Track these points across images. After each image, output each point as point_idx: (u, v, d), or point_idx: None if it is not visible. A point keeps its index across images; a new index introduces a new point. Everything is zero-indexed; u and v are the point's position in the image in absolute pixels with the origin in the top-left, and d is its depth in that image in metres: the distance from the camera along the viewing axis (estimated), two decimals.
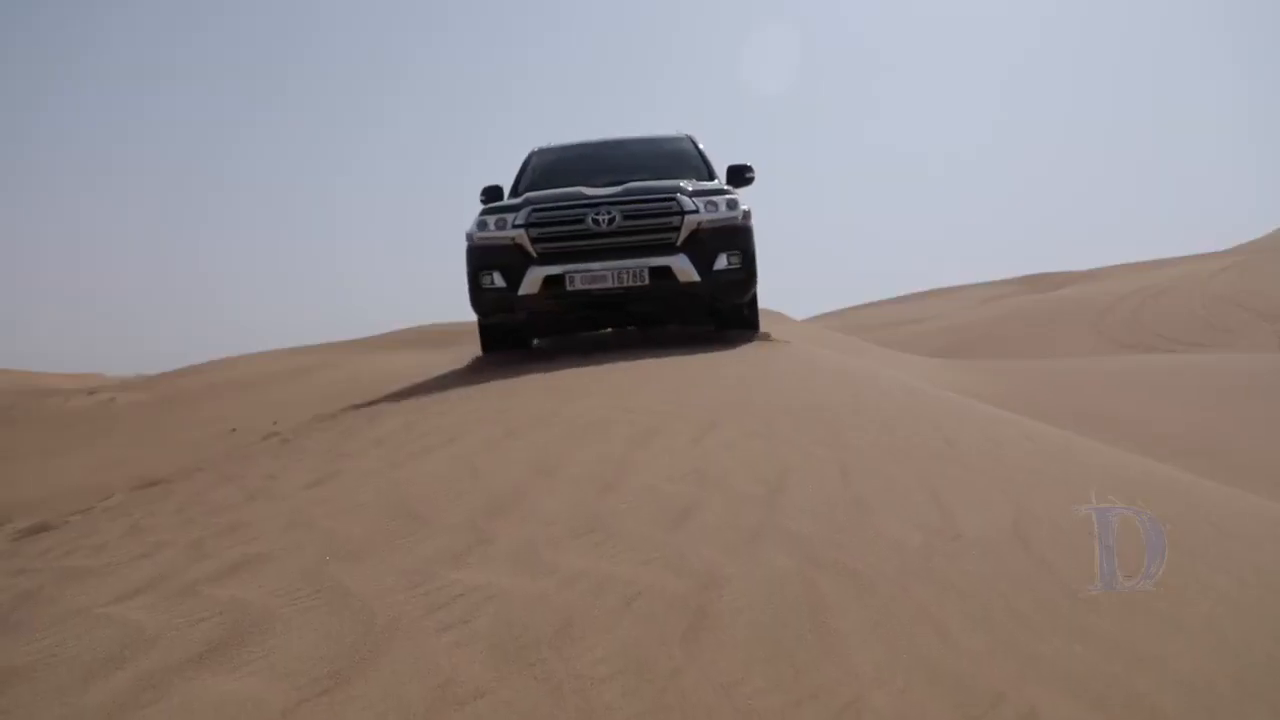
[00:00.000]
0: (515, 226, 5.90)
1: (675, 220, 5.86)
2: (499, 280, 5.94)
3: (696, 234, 5.86)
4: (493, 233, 5.99)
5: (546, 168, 7.39)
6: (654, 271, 5.78)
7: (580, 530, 2.02)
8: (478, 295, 6.12)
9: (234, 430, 13.17)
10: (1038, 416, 8.85)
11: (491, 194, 7.02)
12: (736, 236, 5.98)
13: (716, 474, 2.45)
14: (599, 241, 5.82)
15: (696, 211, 5.89)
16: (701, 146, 7.57)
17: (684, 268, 5.79)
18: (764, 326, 6.82)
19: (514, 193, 7.11)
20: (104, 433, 11.83)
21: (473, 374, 6.10)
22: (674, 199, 5.91)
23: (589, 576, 1.74)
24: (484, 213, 6.18)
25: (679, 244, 5.85)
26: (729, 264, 5.91)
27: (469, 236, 6.16)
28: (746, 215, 6.11)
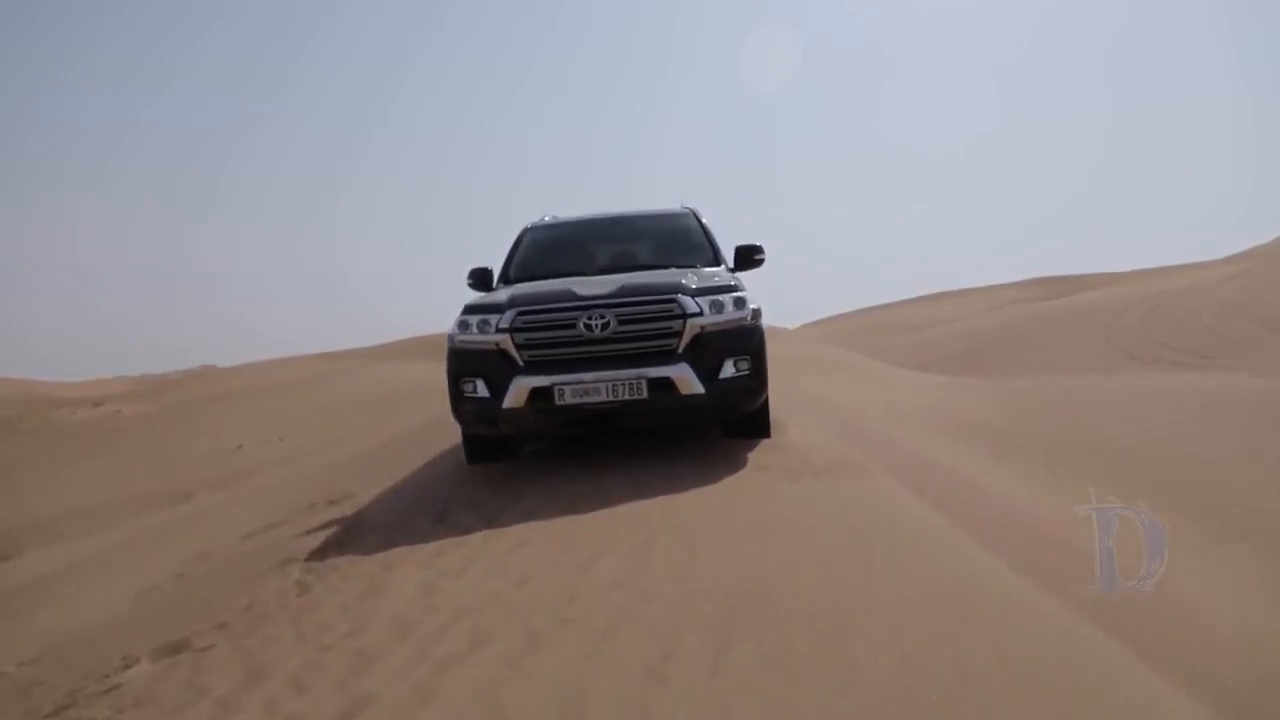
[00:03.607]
0: (499, 330, 5.40)
1: (676, 324, 5.34)
2: (482, 389, 5.41)
3: (700, 338, 5.36)
4: (475, 335, 5.49)
5: (538, 247, 7.07)
6: (653, 383, 5.24)
7: None
8: (458, 404, 5.62)
9: (240, 446, 13.35)
10: (1024, 444, 8.91)
11: (480, 278, 6.66)
12: (745, 339, 5.48)
13: None
14: (592, 349, 5.31)
15: (700, 314, 5.37)
16: (705, 222, 7.14)
17: (686, 378, 5.26)
18: None
19: (504, 275, 6.81)
20: (109, 446, 12.01)
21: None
22: (675, 300, 5.39)
23: None
24: (466, 310, 5.70)
25: (680, 350, 5.33)
26: (737, 371, 5.40)
27: (450, 338, 5.69)
28: (756, 314, 5.63)
